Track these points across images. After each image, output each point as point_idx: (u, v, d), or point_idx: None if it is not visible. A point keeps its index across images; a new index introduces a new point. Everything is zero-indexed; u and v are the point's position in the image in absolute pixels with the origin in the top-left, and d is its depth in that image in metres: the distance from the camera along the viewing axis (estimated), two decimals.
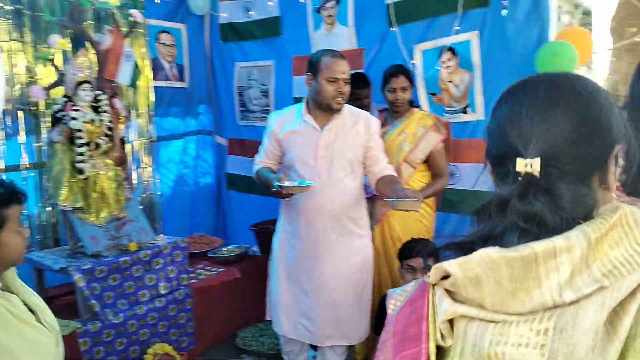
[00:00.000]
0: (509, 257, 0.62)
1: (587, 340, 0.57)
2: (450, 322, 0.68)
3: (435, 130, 2.83)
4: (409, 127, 2.85)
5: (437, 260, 2.31)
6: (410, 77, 2.87)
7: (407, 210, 2.19)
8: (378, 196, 2.70)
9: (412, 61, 3.31)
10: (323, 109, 2.40)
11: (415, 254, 2.39)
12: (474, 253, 0.65)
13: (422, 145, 2.81)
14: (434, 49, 3.23)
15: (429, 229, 2.90)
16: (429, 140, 2.81)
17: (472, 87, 3.11)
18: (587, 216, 0.66)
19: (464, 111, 3.18)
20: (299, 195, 2.37)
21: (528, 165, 0.67)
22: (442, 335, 0.67)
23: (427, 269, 0.75)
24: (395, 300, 0.82)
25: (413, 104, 3.02)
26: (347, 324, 2.48)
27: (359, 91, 3.18)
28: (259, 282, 3.51)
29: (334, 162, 2.38)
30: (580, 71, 2.83)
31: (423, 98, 3.31)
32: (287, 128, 2.48)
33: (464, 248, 0.70)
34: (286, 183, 2.22)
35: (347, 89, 2.37)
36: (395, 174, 2.49)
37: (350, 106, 2.53)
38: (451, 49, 3.15)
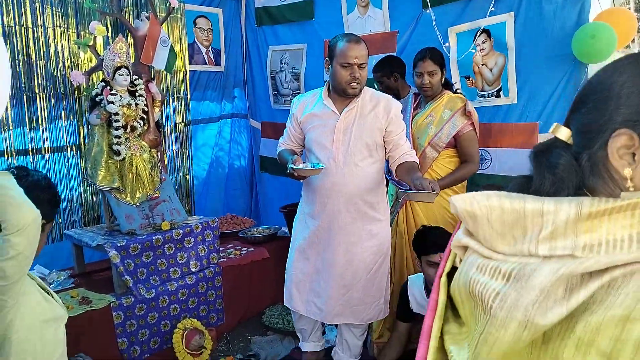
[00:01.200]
0: (503, 205, 0.67)
1: (531, 295, 0.61)
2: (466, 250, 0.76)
3: (462, 114, 2.75)
4: (436, 110, 2.80)
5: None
6: (439, 60, 2.81)
7: (421, 201, 2.19)
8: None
9: (446, 44, 3.25)
10: (339, 93, 2.41)
11: (435, 249, 2.38)
12: (479, 192, 0.71)
13: (447, 128, 2.74)
14: (468, 31, 3.16)
15: (454, 216, 2.86)
16: (455, 123, 2.74)
17: (506, 70, 3.04)
18: (583, 189, 0.69)
19: (497, 95, 3.11)
20: (315, 178, 2.42)
21: (554, 129, 0.75)
22: (460, 260, 0.77)
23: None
24: None
25: (450, 86, 2.94)
26: (357, 305, 2.50)
27: (382, 79, 3.22)
28: (287, 262, 3.59)
29: (351, 146, 2.39)
30: (620, 53, 2.71)
31: (456, 81, 3.25)
32: (308, 111, 2.51)
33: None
34: (300, 165, 2.27)
35: (362, 73, 2.34)
36: (416, 159, 2.46)
37: (372, 90, 2.52)
38: (486, 31, 3.08)
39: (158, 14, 3.38)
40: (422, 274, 2.57)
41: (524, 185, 0.74)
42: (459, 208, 0.72)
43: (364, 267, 2.48)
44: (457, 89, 2.99)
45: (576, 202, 0.63)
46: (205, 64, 4.28)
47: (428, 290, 2.50)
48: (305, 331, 2.77)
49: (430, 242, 2.42)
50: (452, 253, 0.80)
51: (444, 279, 0.79)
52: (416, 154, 2.75)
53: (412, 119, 2.87)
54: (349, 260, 2.46)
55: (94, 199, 3.45)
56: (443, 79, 2.85)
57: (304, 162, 2.38)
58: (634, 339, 0.57)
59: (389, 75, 3.22)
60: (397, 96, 3.29)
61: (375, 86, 3.26)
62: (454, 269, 0.79)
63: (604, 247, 0.62)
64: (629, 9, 3.96)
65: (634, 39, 2.91)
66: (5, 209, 1.23)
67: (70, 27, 3.20)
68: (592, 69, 2.75)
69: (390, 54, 3.52)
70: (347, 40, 2.32)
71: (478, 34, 3.09)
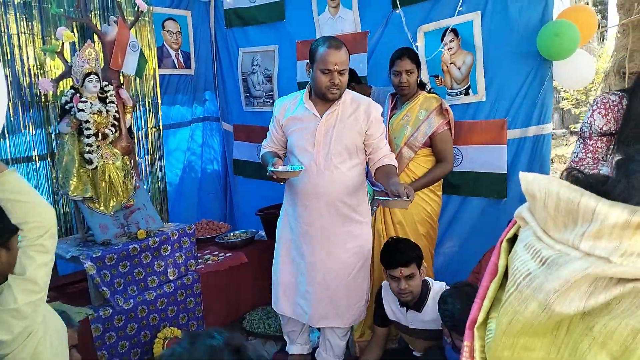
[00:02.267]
0: (561, 194, 0.69)
1: (554, 283, 0.65)
2: None
3: (438, 113, 2.79)
4: (412, 110, 2.83)
5: (419, 265, 2.33)
6: (416, 59, 2.84)
7: (395, 208, 2.24)
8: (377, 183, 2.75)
9: (415, 44, 3.30)
10: (320, 97, 2.42)
11: (395, 264, 2.40)
12: (544, 176, 0.73)
13: (423, 128, 2.78)
14: (436, 30, 3.22)
15: (431, 214, 2.90)
16: (431, 123, 2.78)
17: (474, 68, 3.10)
18: None
19: (466, 93, 3.17)
20: (297, 180, 2.44)
21: None
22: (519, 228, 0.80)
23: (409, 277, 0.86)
24: None
25: (425, 86, 2.97)
26: (340, 306, 2.53)
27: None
28: (266, 266, 3.56)
29: (331, 149, 2.40)
30: (582, 50, 2.80)
31: (425, 80, 3.30)
32: (289, 114, 2.52)
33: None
34: (279, 168, 2.28)
35: (342, 79, 2.34)
36: (395, 163, 2.48)
37: (353, 93, 2.53)
38: (454, 30, 3.14)
39: (126, 17, 3.33)
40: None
41: (599, 183, 0.73)
42: (522, 187, 0.75)
43: (345, 269, 2.50)
44: (431, 89, 3.02)
45: (630, 210, 0.64)
46: (175, 67, 4.23)
47: (401, 302, 2.52)
48: (293, 333, 2.78)
49: (392, 255, 2.44)
50: (513, 229, 0.83)
51: (504, 244, 0.82)
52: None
53: (389, 119, 2.90)
54: (331, 261, 2.48)
55: (66, 209, 3.38)
56: (418, 79, 2.88)
57: (284, 165, 2.39)
58: None
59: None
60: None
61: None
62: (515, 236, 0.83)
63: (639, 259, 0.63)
64: (587, 3, 4.09)
65: (603, 38, 3.01)
66: (24, 212, 1.17)
67: (35, 33, 3.11)
68: (557, 66, 2.84)
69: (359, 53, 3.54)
70: (328, 45, 2.30)
71: (446, 33, 3.15)
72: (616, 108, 1.91)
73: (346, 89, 2.46)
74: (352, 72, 3.21)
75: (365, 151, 2.50)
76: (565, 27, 2.64)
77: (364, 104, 2.46)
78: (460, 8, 3.08)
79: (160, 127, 3.93)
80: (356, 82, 3.26)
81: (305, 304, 2.55)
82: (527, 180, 0.75)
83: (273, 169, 2.26)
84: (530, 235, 0.74)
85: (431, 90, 2.97)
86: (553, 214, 0.70)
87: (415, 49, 3.26)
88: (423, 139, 2.79)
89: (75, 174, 2.79)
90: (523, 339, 0.71)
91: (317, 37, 2.59)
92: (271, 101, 4.30)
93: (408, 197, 2.09)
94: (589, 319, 0.66)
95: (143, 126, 3.82)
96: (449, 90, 3.23)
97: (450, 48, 3.15)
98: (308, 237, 2.51)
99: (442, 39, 3.17)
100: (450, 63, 3.18)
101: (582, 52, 2.79)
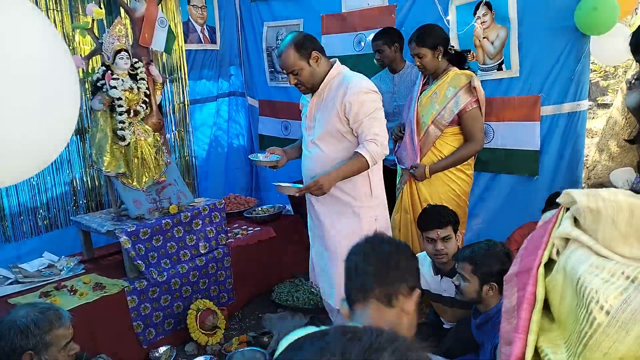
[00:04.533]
0: (633, 203, 0.66)
1: None
2: (567, 242, 0.74)
3: (466, 91, 2.70)
4: (440, 87, 2.75)
5: (455, 229, 2.31)
6: (427, 40, 2.71)
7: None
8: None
9: (447, 17, 3.23)
10: None
11: (432, 225, 2.42)
12: (605, 189, 0.69)
13: (450, 106, 2.70)
14: (468, 4, 3.15)
15: (460, 193, 2.85)
16: (458, 101, 2.69)
17: (508, 43, 3.04)
18: None
19: (499, 68, 3.12)
20: (301, 163, 2.57)
21: None
22: (557, 250, 0.75)
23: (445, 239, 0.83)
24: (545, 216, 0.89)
25: (460, 61, 2.84)
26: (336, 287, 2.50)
27: (383, 47, 3.25)
28: (293, 240, 3.64)
29: (316, 134, 2.44)
30: (621, 24, 2.72)
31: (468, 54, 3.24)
32: (301, 101, 2.62)
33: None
34: (259, 157, 2.50)
35: (300, 77, 2.37)
36: (364, 153, 2.29)
37: (346, 74, 2.40)
38: (487, 4, 3.06)
39: None
40: (423, 253, 2.63)
41: None
42: (581, 204, 0.70)
43: (339, 251, 2.39)
44: (467, 66, 2.87)
45: None
46: (201, 42, 4.22)
47: (436, 269, 2.54)
48: (333, 311, 2.78)
49: (429, 218, 2.46)
50: (549, 244, 0.76)
51: (541, 269, 0.76)
52: (419, 133, 2.78)
53: (419, 96, 2.86)
54: (324, 243, 2.51)
55: (97, 184, 3.45)
56: (439, 56, 2.74)
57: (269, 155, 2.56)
58: None
59: (390, 44, 3.25)
60: (393, 69, 3.34)
61: (375, 56, 3.33)
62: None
63: None
64: None
65: (636, 10, 2.92)
66: None
67: (63, 10, 3.13)
68: (594, 41, 2.77)
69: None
70: (277, 53, 2.36)
71: (479, 7, 3.08)
72: None
73: (340, 70, 2.39)
74: (400, 33, 3.30)
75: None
76: (604, 1, 2.56)
77: (343, 86, 2.32)
78: None
79: (187, 103, 3.96)
80: (400, 47, 3.30)
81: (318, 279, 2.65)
82: (585, 197, 0.69)
83: (252, 158, 2.52)
84: (590, 255, 0.69)
85: (466, 67, 2.85)
86: (625, 230, 0.66)
87: (446, 23, 3.21)
88: (450, 117, 2.72)
89: (108, 150, 2.84)
90: None
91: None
92: None
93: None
94: None
95: (170, 102, 3.84)
96: (481, 66, 3.17)
97: (484, 22, 3.09)
98: (312, 218, 2.60)
99: (474, 13, 3.10)
100: (483, 37, 3.11)
101: (621, 26, 2.71)
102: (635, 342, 0.62)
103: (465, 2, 3.15)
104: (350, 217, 2.46)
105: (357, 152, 2.31)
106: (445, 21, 3.22)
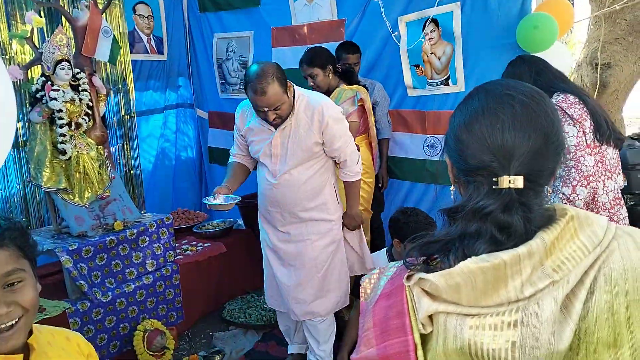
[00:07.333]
0: (484, 267, 0.71)
1: (547, 328, 0.68)
2: (429, 315, 0.77)
3: (350, 103, 2.90)
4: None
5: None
6: (316, 61, 2.95)
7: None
8: None
9: (395, 33, 3.29)
10: None
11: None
12: (456, 267, 0.73)
13: None
14: (417, 20, 3.22)
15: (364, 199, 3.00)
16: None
17: (454, 59, 3.12)
18: (547, 223, 0.74)
19: (446, 83, 3.20)
20: (262, 189, 2.47)
21: (512, 181, 0.73)
22: (423, 325, 0.77)
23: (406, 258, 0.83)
24: (365, 288, 0.91)
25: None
26: (314, 300, 2.50)
27: (349, 56, 3.23)
28: (245, 255, 3.58)
29: (287, 160, 2.36)
30: (559, 42, 2.86)
31: (406, 70, 3.32)
32: (247, 124, 2.44)
33: (433, 248, 0.80)
34: (213, 201, 2.27)
35: (280, 112, 2.24)
36: (351, 177, 2.48)
37: (307, 96, 2.37)
38: (434, 20, 3.14)
39: (97, 2, 3.20)
40: (382, 252, 2.66)
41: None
42: (441, 285, 0.73)
43: (316, 266, 2.47)
44: (359, 81, 3.11)
45: (540, 241, 0.71)
46: (147, 52, 4.11)
47: (391, 257, 2.60)
48: (289, 331, 2.74)
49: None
50: (414, 325, 0.77)
51: (420, 352, 0.77)
52: None
53: None
54: (300, 262, 2.47)
55: (37, 199, 3.26)
56: (330, 74, 2.97)
57: (226, 193, 2.35)
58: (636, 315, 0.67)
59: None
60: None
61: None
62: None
63: (569, 262, 0.70)
64: None
65: (571, 30, 3.07)
66: None
67: (0, 17, 2.96)
68: None
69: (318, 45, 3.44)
70: (253, 90, 2.16)
71: (427, 24, 3.16)
72: None
73: (300, 92, 2.35)
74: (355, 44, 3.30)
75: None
76: (544, 20, 2.68)
77: (317, 111, 2.30)
78: None
79: (133, 114, 3.83)
80: (358, 55, 3.31)
81: (287, 298, 2.54)
82: (442, 278, 0.73)
83: (207, 202, 2.27)
84: (464, 318, 0.72)
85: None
86: (483, 287, 0.71)
87: (395, 38, 3.27)
88: None
89: (48, 165, 2.70)
90: None
91: (250, 64, 2.46)
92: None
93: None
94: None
95: (115, 113, 3.71)
96: (429, 80, 3.25)
97: (431, 38, 3.16)
98: (278, 239, 2.52)
99: (423, 29, 3.18)
100: (431, 53, 3.19)
101: (560, 44, 2.84)
102: None
103: (414, 18, 3.22)
104: (326, 229, 2.49)
105: (349, 181, 2.48)
106: (393, 36, 3.28)
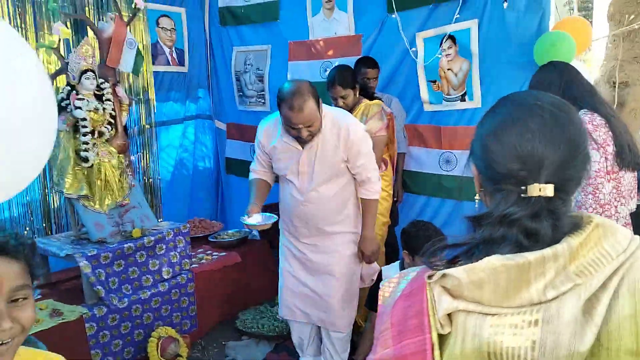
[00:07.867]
0: (508, 264, 0.72)
1: (569, 329, 0.69)
2: (448, 314, 0.77)
3: (378, 118, 2.91)
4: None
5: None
6: (348, 83, 2.90)
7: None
8: None
9: (412, 49, 3.33)
10: None
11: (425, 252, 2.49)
12: (480, 261, 0.74)
13: None
14: (435, 36, 3.25)
15: (382, 212, 3.00)
16: (369, 128, 2.76)
17: (470, 75, 3.14)
18: (573, 230, 0.76)
19: (462, 99, 3.21)
20: (287, 205, 2.50)
21: (542, 190, 0.75)
22: (441, 325, 0.77)
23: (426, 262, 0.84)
24: (383, 292, 0.91)
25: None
26: (337, 311, 2.53)
27: (368, 70, 3.24)
28: (259, 266, 3.60)
29: (315, 178, 2.38)
30: (577, 60, 2.86)
31: (423, 86, 3.34)
32: (272, 143, 2.45)
33: (462, 250, 0.81)
34: (250, 221, 2.29)
35: (312, 129, 2.25)
36: (369, 195, 2.47)
37: (332, 113, 2.39)
38: (452, 37, 3.17)
39: (122, 14, 3.29)
40: (395, 264, 2.67)
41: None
42: (463, 281, 0.74)
43: (344, 275, 2.53)
44: (375, 94, 3.18)
45: (567, 245, 0.72)
46: (169, 64, 4.20)
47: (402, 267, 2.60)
48: (302, 343, 2.76)
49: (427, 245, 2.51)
50: (432, 324, 0.77)
51: (437, 352, 0.77)
52: None
53: None
54: (330, 271, 2.50)
55: (57, 205, 3.34)
56: (357, 93, 2.98)
57: (258, 211, 2.37)
58: None
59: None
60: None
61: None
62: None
63: (592, 267, 0.72)
64: (589, 16, 4.17)
65: (589, 48, 3.08)
66: None
67: (28, 27, 3.07)
68: None
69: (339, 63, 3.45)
70: (289, 107, 2.16)
71: (444, 40, 3.19)
72: None
73: (325, 110, 2.35)
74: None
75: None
76: (562, 39, 2.69)
77: (344, 129, 2.33)
78: (457, 15, 3.11)
79: (154, 124, 3.91)
80: (377, 70, 3.33)
81: (305, 307, 2.58)
82: (465, 273, 0.74)
83: (244, 222, 2.28)
84: (485, 318, 0.73)
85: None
86: (505, 286, 0.72)
87: (412, 54, 3.30)
88: None
89: (70, 172, 2.76)
90: None
91: (285, 81, 2.38)
92: (263, 101, 4.30)
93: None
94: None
95: (136, 123, 3.79)
96: (446, 96, 3.27)
97: (448, 54, 3.19)
98: (305, 249, 2.54)
99: (440, 45, 3.21)
100: (448, 69, 3.21)
101: (577, 62, 2.85)
102: None
103: (432, 35, 3.25)
104: (349, 240, 2.54)
105: (368, 198, 2.48)
106: (411, 52, 3.31)
